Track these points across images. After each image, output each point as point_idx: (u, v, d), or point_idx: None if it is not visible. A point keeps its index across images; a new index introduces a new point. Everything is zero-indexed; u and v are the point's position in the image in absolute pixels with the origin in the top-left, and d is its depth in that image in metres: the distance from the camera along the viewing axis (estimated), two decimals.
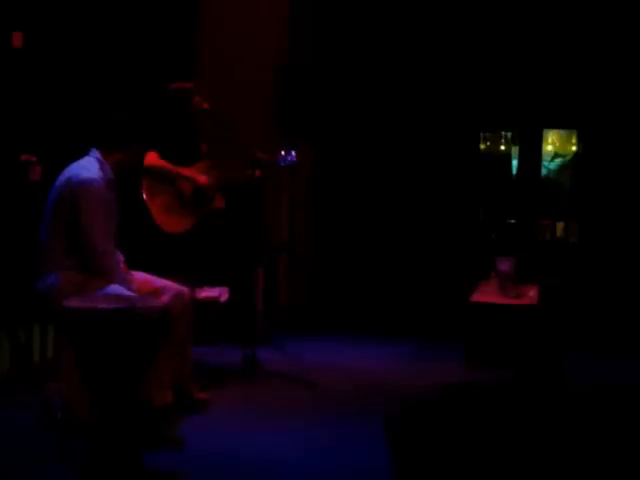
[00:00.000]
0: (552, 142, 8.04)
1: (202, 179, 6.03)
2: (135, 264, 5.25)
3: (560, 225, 7.97)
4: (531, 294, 6.83)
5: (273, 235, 7.69)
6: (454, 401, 5.54)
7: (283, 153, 6.26)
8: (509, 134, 8.11)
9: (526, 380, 6.03)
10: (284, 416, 5.31)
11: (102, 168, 4.90)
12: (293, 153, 6.21)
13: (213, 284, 6.83)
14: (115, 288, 4.77)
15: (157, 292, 5.06)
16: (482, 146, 8.11)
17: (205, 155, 6.23)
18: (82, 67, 6.71)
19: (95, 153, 4.94)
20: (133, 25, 7.19)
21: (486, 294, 6.83)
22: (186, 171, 6.05)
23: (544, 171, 8.09)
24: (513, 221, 8.06)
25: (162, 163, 5.97)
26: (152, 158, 5.94)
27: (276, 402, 5.60)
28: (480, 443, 4.51)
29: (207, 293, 6.79)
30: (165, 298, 5.01)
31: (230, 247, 6.78)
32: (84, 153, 4.98)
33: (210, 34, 7.86)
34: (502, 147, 8.13)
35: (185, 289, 5.21)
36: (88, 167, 4.88)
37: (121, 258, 5.12)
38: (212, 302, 6.72)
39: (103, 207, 4.85)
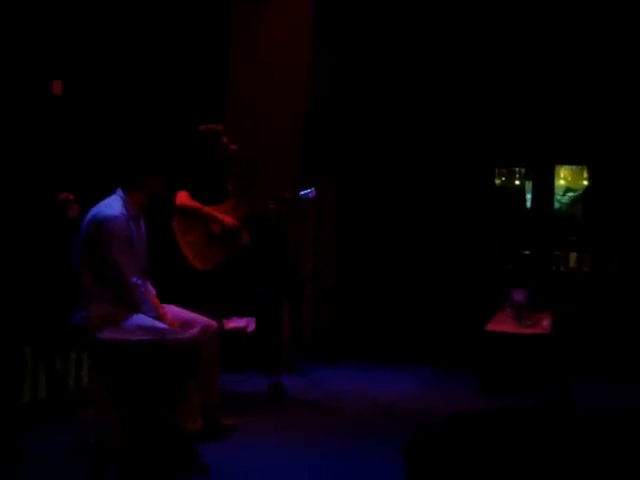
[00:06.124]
0: (564, 177, 8.28)
1: (229, 220, 6.24)
2: (168, 297, 5.51)
3: (573, 256, 8.17)
4: (545, 323, 6.98)
5: (299, 268, 7.92)
6: (470, 429, 5.75)
7: (303, 189, 6.52)
8: (523, 170, 8.35)
9: (540, 408, 6.20)
10: (304, 442, 5.49)
11: (125, 205, 5.19)
12: (313, 189, 6.45)
13: (241, 315, 7.05)
14: (141, 317, 5.05)
15: (187, 324, 5.30)
16: (497, 181, 8.35)
17: (232, 193, 6.46)
18: (118, 111, 6.95)
19: (119, 192, 5.25)
20: (167, 72, 7.47)
21: (501, 323, 6.98)
22: (214, 210, 6.27)
23: (557, 205, 8.32)
24: (528, 252, 8.26)
25: (192, 203, 6.22)
26: (183, 197, 6.22)
27: (299, 429, 5.79)
28: (496, 471, 4.72)
29: (235, 324, 7.00)
30: (194, 330, 5.25)
31: (257, 280, 7.00)
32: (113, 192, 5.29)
33: (240, 79, 8.15)
34: (516, 182, 8.37)
35: (213, 322, 5.46)
36: (112, 205, 5.17)
37: (153, 291, 5.39)
38: (240, 332, 6.93)
39: (125, 242, 5.12)
